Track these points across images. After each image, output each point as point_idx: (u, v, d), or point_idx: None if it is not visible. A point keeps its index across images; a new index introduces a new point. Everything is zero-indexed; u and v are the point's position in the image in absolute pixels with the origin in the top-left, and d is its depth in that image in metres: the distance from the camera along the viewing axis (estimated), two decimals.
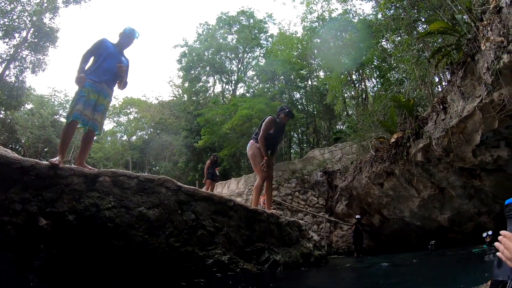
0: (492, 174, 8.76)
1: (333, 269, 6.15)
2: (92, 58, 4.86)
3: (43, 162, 4.08)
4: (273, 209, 6.02)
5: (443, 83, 10.98)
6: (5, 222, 3.64)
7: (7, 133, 38.34)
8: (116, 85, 5.11)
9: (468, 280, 2.85)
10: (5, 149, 8.84)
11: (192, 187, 4.41)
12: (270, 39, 32.38)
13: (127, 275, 3.25)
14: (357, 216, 13.76)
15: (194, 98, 33.86)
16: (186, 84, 34.79)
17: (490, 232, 8.85)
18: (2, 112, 36.15)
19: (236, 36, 32.83)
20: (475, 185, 9.42)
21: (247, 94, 31.22)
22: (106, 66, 4.82)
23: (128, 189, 3.97)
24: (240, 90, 34.19)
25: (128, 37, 5.18)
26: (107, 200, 3.86)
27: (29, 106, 41.99)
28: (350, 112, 24.39)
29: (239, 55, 33.39)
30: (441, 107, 8.54)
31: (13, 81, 29.84)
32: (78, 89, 4.69)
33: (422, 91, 11.24)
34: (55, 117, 45.43)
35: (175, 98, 42.90)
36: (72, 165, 4.26)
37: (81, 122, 4.65)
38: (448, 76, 9.23)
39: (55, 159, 4.10)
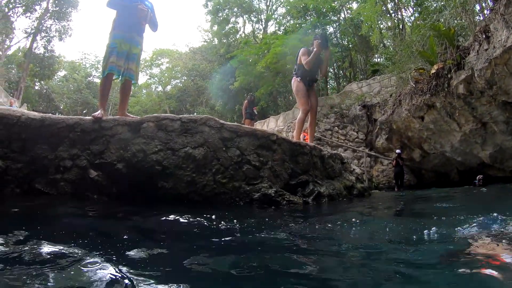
0: None
1: (376, 200, 6.20)
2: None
3: (87, 117, 4.23)
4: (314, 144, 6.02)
5: (485, 12, 10.17)
6: (58, 180, 3.87)
7: (45, 103, 39.91)
8: (148, 28, 5.07)
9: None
10: (40, 113, 9.28)
11: (234, 123, 4.45)
12: None
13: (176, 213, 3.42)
14: (398, 151, 13.59)
15: (224, 41, 33.32)
16: (215, 28, 34.12)
17: None
18: (37, 83, 37.38)
19: None
20: None
21: (279, 32, 30.28)
22: (131, 13, 4.76)
23: (172, 132, 4.05)
24: (271, 28, 33.20)
25: None
26: (152, 145, 3.97)
27: (62, 73, 43.15)
28: (387, 44, 23.32)
29: None
30: (484, 36, 8.05)
31: (42, 52, 30.51)
32: (109, 42, 4.71)
33: (463, 20, 10.51)
34: (88, 79, 46.63)
35: (205, 43, 42.50)
36: (115, 116, 4.38)
37: (116, 73, 4.73)
38: (491, 4, 8.54)
39: (97, 113, 4.23)
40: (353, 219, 3.05)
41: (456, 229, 2.37)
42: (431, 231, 2.31)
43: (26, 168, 3.88)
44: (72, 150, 3.98)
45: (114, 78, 4.83)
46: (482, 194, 7.00)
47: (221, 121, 4.26)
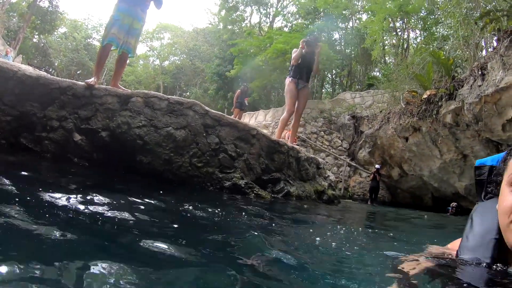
0: None
1: (342, 208, 6.43)
2: None
3: (80, 82, 4.37)
4: (296, 145, 6.24)
5: (487, 49, 10.43)
6: (43, 138, 4.02)
7: (41, 57, 39.23)
8: (152, 4, 5.18)
9: None
10: (41, 71, 9.29)
11: (219, 112, 4.61)
12: None
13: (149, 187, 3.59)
14: (377, 166, 13.90)
15: (229, 27, 33.13)
16: (223, 13, 33.95)
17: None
18: (36, 36, 36.77)
19: None
20: None
21: (285, 29, 30.33)
22: None
23: (158, 110, 4.21)
24: (278, 24, 33.14)
25: None
26: (138, 119, 4.12)
27: (62, 30, 42.36)
28: (388, 60, 23.58)
29: None
30: (480, 72, 8.25)
31: (46, 6, 29.96)
32: (113, 13, 4.81)
33: (463, 52, 10.75)
34: (88, 40, 45.89)
35: (210, 26, 42.23)
36: (107, 86, 4.50)
37: (115, 45, 4.82)
38: (495, 43, 8.78)
39: (91, 79, 4.36)
40: (305, 221, 3.23)
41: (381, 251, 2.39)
42: (364, 244, 2.45)
43: (14, 122, 4.01)
44: (60, 112, 4.13)
45: (112, 48, 4.93)
46: (448, 221, 7.25)
47: (206, 108, 4.43)
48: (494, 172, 1.14)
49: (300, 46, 6.48)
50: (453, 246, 1.31)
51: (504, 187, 1.01)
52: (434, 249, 1.45)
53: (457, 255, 1.14)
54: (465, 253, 1.09)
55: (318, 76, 23.90)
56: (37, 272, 1.10)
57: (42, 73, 4.69)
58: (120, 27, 4.75)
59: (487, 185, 1.19)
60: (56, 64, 40.65)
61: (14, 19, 30.57)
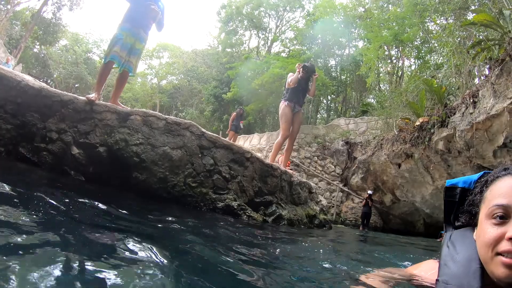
0: None
1: (333, 233, 6.46)
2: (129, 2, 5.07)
3: (81, 97, 4.46)
4: (289, 169, 6.32)
5: (479, 77, 10.68)
6: (41, 148, 4.10)
7: (40, 67, 39.42)
8: (154, 26, 5.34)
9: None
10: (40, 82, 9.38)
11: (214, 134, 4.71)
12: (313, 1, 31.49)
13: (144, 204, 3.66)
14: (370, 192, 14.00)
15: (228, 50, 33.71)
16: (223, 36, 34.60)
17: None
18: (37, 46, 37.05)
19: None
20: None
21: (283, 54, 30.89)
22: (143, 10, 5.03)
23: (156, 129, 4.30)
24: (276, 48, 33.83)
25: None
26: (135, 137, 4.21)
27: (63, 42, 42.69)
28: (382, 87, 24.01)
29: (279, 13, 32.73)
30: (472, 100, 8.43)
31: (50, 18, 30.30)
32: (116, 32, 4.96)
33: (456, 80, 11.01)
34: (88, 54, 46.22)
35: (209, 48, 42.86)
36: (107, 102, 4.60)
37: (117, 63, 4.95)
38: (486, 71, 9.01)
39: (91, 95, 4.46)
40: (293, 245, 3.28)
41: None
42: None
43: (14, 131, 4.10)
44: (60, 124, 4.22)
45: (114, 66, 5.06)
46: (438, 245, 7.28)
47: (203, 130, 4.53)
48: (468, 202, 1.15)
49: (297, 70, 6.63)
50: (415, 270, 1.33)
51: (482, 219, 1.03)
52: (392, 270, 1.46)
53: (437, 281, 1.13)
54: (450, 280, 1.08)
55: (313, 101, 24.25)
56: None
57: (45, 85, 4.78)
58: (123, 46, 4.88)
59: (458, 213, 1.21)
60: (55, 75, 40.78)
61: (16, 27, 30.80)
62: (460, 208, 1.20)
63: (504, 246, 0.95)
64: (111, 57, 4.85)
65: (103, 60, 5.05)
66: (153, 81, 51.43)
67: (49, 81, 37.47)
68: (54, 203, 2.36)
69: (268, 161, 5.48)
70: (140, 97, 47.71)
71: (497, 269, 0.95)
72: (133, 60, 5.11)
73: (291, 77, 6.67)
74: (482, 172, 1.17)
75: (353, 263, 2.92)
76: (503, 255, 0.94)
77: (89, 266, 1.42)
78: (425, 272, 1.27)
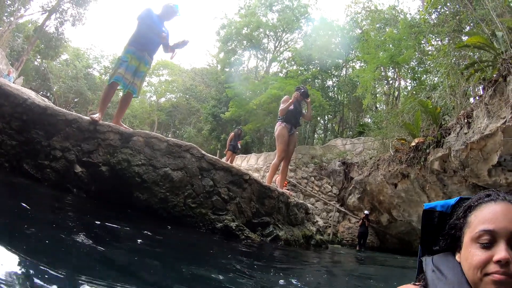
0: None
1: (330, 253, 6.53)
2: (137, 24, 5.24)
3: (85, 117, 4.59)
4: (286, 189, 6.40)
5: (474, 97, 10.85)
6: (45, 166, 4.20)
7: (40, 80, 39.58)
8: (167, 52, 5.52)
9: None
10: (43, 98, 9.52)
11: (214, 156, 4.84)
12: (311, 23, 31.98)
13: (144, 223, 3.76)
14: (366, 212, 14.04)
15: (227, 70, 34.03)
16: (222, 55, 34.95)
17: None
18: (38, 59, 37.35)
19: (277, 15, 32.53)
20: None
21: (280, 74, 31.20)
22: (149, 35, 5.21)
23: (157, 150, 4.43)
24: (274, 69, 34.20)
25: (173, 12, 5.50)
26: (138, 158, 4.33)
27: (64, 56, 42.97)
28: (379, 107, 24.23)
29: (278, 34, 33.19)
30: (466, 121, 8.54)
31: (52, 32, 30.60)
32: (121, 55, 5.11)
33: (451, 101, 11.19)
34: (88, 70, 46.51)
35: (208, 67, 43.21)
36: (110, 123, 4.72)
37: (121, 84, 5.08)
38: (481, 91, 9.17)
39: (96, 115, 4.59)
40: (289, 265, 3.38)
41: None
42: None
43: (19, 147, 4.20)
44: (64, 143, 4.33)
45: (118, 87, 5.20)
46: None
47: (203, 152, 4.66)
48: (449, 226, 1.17)
49: (295, 96, 6.74)
50: None
51: (468, 242, 1.07)
52: None
53: None
54: None
55: (310, 121, 24.39)
56: None
57: (50, 104, 4.91)
58: (127, 68, 5.02)
59: (438, 237, 1.22)
60: (54, 89, 40.94)
61: (19, 40, 31.00)
62: (439, 232, 1.22)
63: (492, 268, 1.01)
64: (115, 78, 4.98)
65: (107, 81, 5.18)
66: (152, 99, 51.73)
67: (48, 94, 37.59)
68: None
69: (265, 182, 5.60)
70: (138, 114, 47.88)
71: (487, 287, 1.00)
72: (137, 82, 5.26)
73: (284, 103, 6.75)
74: (458, 198, 1.20)
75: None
76: (491, 275, 0.99)
77: None
78: None
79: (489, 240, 1.04)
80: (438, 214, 1.23)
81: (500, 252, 1.01)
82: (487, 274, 1.01)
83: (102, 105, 5.12)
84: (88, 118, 4.55)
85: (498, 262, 1.00)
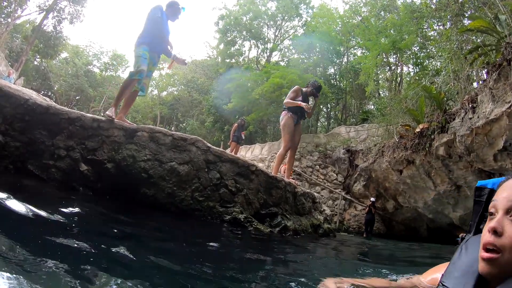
0: None
1: (338, 242, 6.53)
2: (148, 22, 5.21)
3: (88, 114, 4.58)
4: (292, 179, 6.38)
5: (478, 81, 10.76)
6: (50, 166, 4.19)
7: (41, 80, 39.58)
8: (168, 57, 5.53)
9: None
10: (44, 97, 9.51)
11: (220, 149, 4.82)
12: (310, 10, 31.65)
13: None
14: (372, 199, 14.03)
15: (227, 61, 33.85)
16: (221, 46, 34.74)
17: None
18: (38, 59, 37.31)
19: (276, 3, 32.20)
20: None
21: (282, 63, 31.01)
22: (161, 37, 5.26)
23: (163, 145, 4.41)
24: (275, 58, 33.96)
25: (178, 13, 5.50)
26: (143, 153, 4.31)
27: (63, 55, 42.91)
28: (382, 94, 24.10)
29: (278, 23, 32.92)
30: (470, 105, 8.49)
31: (50, 31, 30.49)
32: (140, 51, 5.06)
33: (454, 86, 11.10)
34: (88, 67, 46.49)
35: (208, 59, 43.05)
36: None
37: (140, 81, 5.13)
38: (484, 75, 9.08)
39: (111, 112, 4.60)
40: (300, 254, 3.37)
41: None
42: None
43: (23, 148, 4.19)
44: (68, 142, 4.32)
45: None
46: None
47: (208, 144, 4.64)
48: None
49: (307, 91, 6.74)
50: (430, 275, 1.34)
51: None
52: (377, 281, 1.45)
53: (440, 280, 1.15)
54: (448, 281, 1.10)
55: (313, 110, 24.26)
56: None
57: (52, 103, 4.90)
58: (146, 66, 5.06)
59: (484, 213, 1.19)
60: (55, 88, 41.01)
61: (17, 41, 30.95)
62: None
63: (485, 238, 0.99)
64: (140, 75, 5.00)
65: (129, 75, 5.07)
66: (154, 93, 51.58)
67: (49, 94, 37.64)
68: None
69: (271, 171, 5.58)
70: (141, 109, 47.86)
71: (480, 266, 0.99)
72: (146, 82, 5.32)
73: (292, 93, 6.67)
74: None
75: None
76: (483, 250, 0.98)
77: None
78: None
79: (493, 212, 1.02)
80: (488, 191, 1.20)
81: (492, 222, 1.00)
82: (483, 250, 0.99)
83: (117, 100, 5.11)
84: (91, 115, 4.53)
85: (490, 231, 0.98)
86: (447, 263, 1.22)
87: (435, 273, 1.32)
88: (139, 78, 5.02)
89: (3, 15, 27.98)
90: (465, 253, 1.14)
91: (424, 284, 1.32)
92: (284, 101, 6.71)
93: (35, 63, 38.82)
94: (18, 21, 30.27)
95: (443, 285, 1.13)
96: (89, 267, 1.75)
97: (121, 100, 5.17)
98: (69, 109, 4.68)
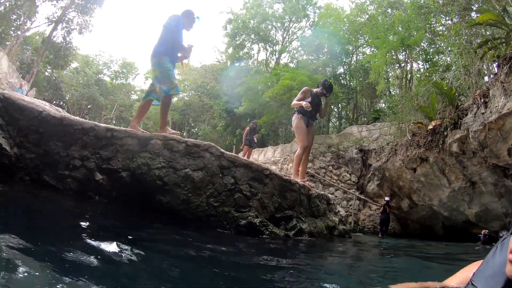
0: None
1: (354, 244, 6.49)
2: (166, 32, 5.26)
3: (101, 124, 4.66)
4: (306, 181, 6.38)
5: (489, 76, 10.63)
6: (65, 176, 4.26)
7: (52, 90, 40.18)
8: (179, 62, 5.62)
9: None
10: (57, 108, 9.66)
11: (233, 154, 4.84)
12: (317, 10, 31.59)
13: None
14: (387, 198, 13.93)
15: (236, 64, 33.91)
16: (230, 50, 34.85)
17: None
18: (48, 70, 37.89)
19: (283, 5, 32.20)
20: (506, 184, 9.35)
21: (291, 64, 31.00)
22: (180, 45, 5.31)
23: (176, 152, 4.44)
24: (284, 60, 33.97)
25: (193, 23, 5.57)
26: (157, 161, 4.35)
27: (74, 65, 43.47)
28: (392, 92, 23.94)
29: (285, 25, 32.90)
30: (482, 100, 8.41)
31: (60, 42, 30.92)
32: (166, 64, 5.10)
33: (465, 81, 10.98)
34: (99, 76, 47.07)
35: (217, 63, 43.21)
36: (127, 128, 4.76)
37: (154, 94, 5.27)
38: (495, 69, 8.97)
39: (171, 131, 4.91)
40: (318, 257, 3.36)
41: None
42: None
43: (38, 160, 4.28)
44: (83, 152, 4.40)
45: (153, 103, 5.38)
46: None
47: (222, 150, 4.66)
48: None
49: (318, 92, 6.75)
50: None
51: None
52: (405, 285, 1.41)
53: (470, 279, 1.14)
54: (480, 280, 1.09)
55: None
56: None
57: (66, 114, 4.99)
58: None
59: None
60: (67, 98, 41.62)
61: (27, 52, 31.44)
62: None
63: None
64: (177, 90, 5.08)
65: (165, 93, 5.08)
66: None
67: (61, 104, 38.14)
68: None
69: (283, 174, 5.58)
70: (152, 115, 48.12)
71: (507, 268, 0.96)
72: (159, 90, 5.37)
73: (301, 95, 6.69)
74: None
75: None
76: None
77: None
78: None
79: None
80: None
81: None
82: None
83: (164, 119, 5.30)
84: (104, 125, 4.61)
85: None
86: (480, 261, 1.19)
87: (467, 272, 1.28)
88: (177, 93, 5.09)
89: (12, 28, 28.45)
90: (500, 252, 1.11)
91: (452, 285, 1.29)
92: (293, 102, 6.77)
93: (46, 74, 39.41)
94: (27, 33, 30.69)
95: (472, 284, 1.11)
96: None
97: (166, 118, 5.31)
98: (83, 120, 4.76)
